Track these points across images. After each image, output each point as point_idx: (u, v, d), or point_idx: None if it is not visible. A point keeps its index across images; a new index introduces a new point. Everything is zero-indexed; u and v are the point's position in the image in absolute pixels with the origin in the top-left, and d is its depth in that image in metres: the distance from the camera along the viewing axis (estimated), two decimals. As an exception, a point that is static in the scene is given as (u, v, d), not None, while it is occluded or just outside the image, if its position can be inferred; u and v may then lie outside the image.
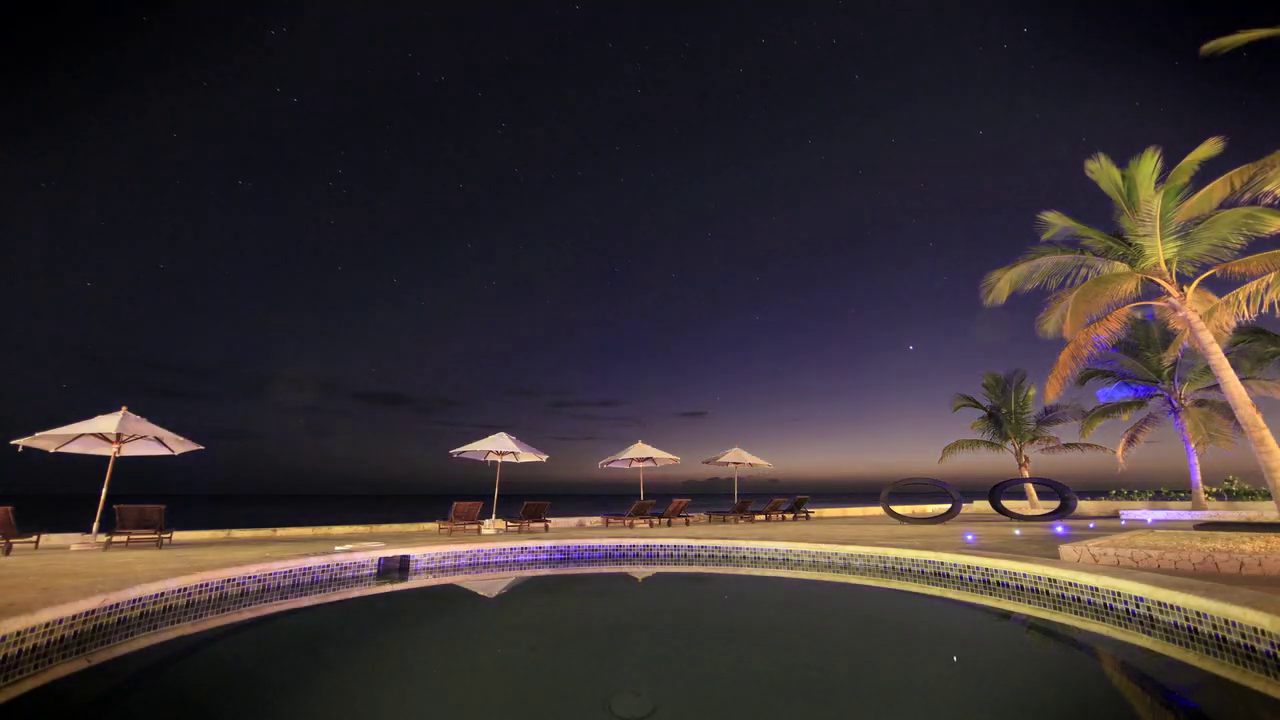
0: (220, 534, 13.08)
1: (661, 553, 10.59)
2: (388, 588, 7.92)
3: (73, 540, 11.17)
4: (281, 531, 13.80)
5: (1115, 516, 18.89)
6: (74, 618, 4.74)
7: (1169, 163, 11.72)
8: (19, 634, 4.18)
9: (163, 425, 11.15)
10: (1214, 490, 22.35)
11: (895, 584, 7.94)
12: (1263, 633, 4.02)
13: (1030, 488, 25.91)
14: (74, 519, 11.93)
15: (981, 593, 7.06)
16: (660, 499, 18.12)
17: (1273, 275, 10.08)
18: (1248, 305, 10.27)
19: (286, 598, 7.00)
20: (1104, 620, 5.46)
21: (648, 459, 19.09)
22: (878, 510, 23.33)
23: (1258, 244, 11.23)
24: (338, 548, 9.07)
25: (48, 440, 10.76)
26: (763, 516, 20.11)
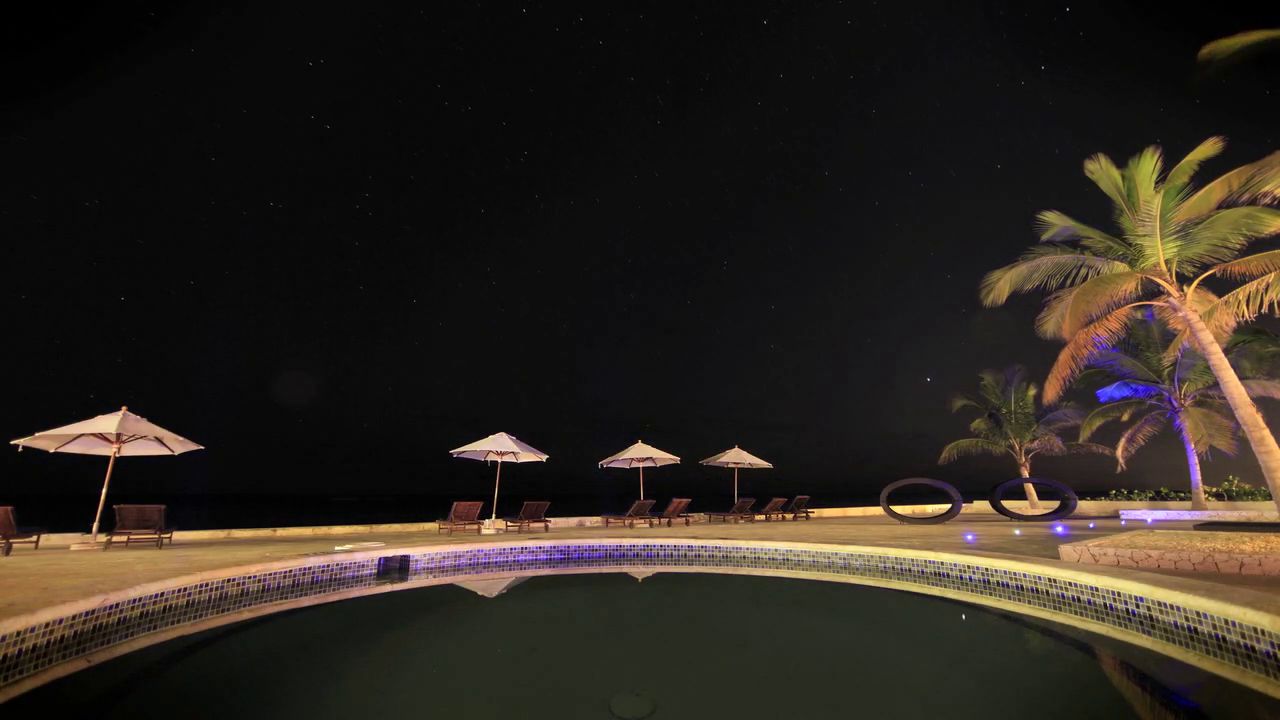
0: (220, 534, 13.08)
1: (661, 553, 10.59)
2: (388, 588, 7.92)
3: (73, 540, 11.17)
4: (281, 531, 13.80)
5: (1115, 516, 18.89)
6: (74, 618, 4.74)
7: (1169, 163, 11.74)
8: (19, 634, 4.18)
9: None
10: (1214, 490, 22.35)
11: (895, 584, 7.94)
12: (1263, 633, 4.02)
13: (1030, 488, 25.94)
14: (74, 519, 11.96)
15: (981, 593, 7.06)
16: (660, 499, 18.11)
17: (1273, 275, 10.09)
18: (1248, 305, 10.27)
19: (286, 598, 7.00)
20: (1104, 620, 5.46)
21: (648, 459, 19.09)
22: (878, 510, 23.34)
23: (1258, 244, 11.24)
24: (338, 548, 9.07)
25: (47, 440, 10.76)
26: (763, 516, 20.11)
